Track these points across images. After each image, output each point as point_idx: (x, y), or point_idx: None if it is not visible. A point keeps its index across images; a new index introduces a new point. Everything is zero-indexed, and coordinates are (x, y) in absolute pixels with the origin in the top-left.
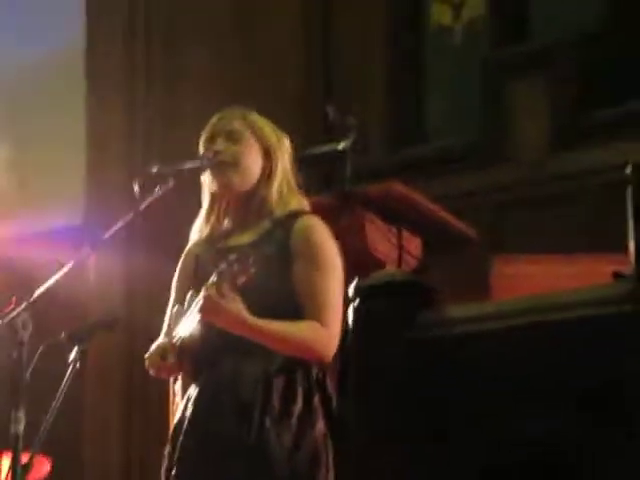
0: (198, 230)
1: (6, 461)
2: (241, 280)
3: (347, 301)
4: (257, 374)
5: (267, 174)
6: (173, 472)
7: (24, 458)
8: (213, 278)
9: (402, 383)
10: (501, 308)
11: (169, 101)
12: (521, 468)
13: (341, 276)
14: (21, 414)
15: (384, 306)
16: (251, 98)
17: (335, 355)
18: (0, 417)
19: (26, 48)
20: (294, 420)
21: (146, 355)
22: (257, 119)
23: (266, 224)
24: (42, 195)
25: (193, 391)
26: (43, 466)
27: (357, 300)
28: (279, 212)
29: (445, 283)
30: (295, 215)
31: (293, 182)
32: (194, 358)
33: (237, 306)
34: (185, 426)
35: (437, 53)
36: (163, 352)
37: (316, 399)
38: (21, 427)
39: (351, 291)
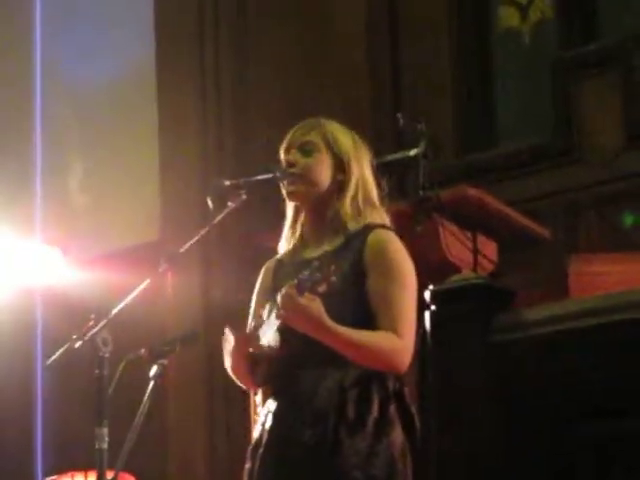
0: (284, 242)
1: (91, 479)
2: (322, 288)
3: (423, 306)
4: (333, 385)
5: (341, 186)
6: None
7: (109, 475)
8: (294, 282)
9: (481, 386)
10: (579, 307)
11: (240, 118)
12: (592, 468)
13: (415, 288)
14: (105, 431)
15: (461, 310)
16: (319, 109)
17: (411, 363)
18: (85, 435)
19: (98, 69)
20: (369, 429)
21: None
22: (334, 129)
23: (341, 237)
24: (118, 213)
25: (271, 405)
26: None
27: (434, 305)
28: (354, 225)
29: (522, 285)
30: (369, 228)
31: (371, 193)
32: (272, 369)
33: (317, 306)
34: (264, 439)
35: (506, 55)
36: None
37: (392, 409)
38: (105, 444)
39: (427, 296)
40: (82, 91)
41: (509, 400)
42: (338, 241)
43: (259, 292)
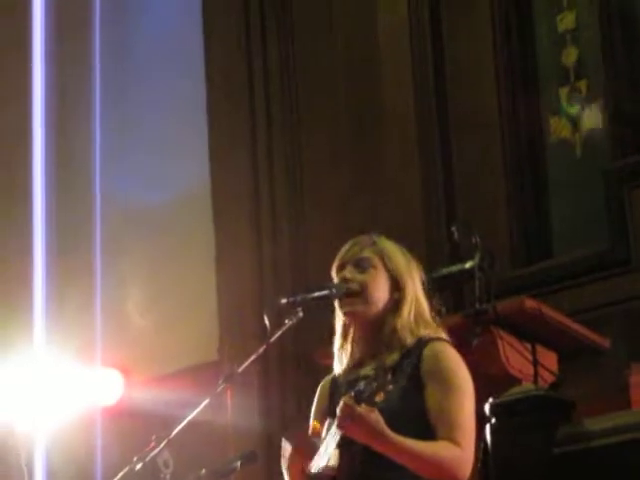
0: (337, 360)
1: None
2: (379, 397)
3: (484, 419)
4: None
5: (396, 303)
6: None
7: None
8: (351, 393)
9: None
10: None
11: (295, 237)
12: None
13: (473, 397)
14: None
15: (522, 423)
16: (372, 225)
17: (473, 475)
18: None
19: (155, 194)
20: None
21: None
22: (387, 246)
23: (397, 353)
24: (177, 334)
25: None
26: None
27: (494, 418)
28: (410, 340)
29: (583, 395)
30: (425, 341)
31: (425, 310)
32: None
33: (375, 416)
34: None
35: (558, 165)
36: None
37: None
38: None
39: (487, 409)
40: (140, 216)
41: None
42: (394, 357)
43: (316, 411)
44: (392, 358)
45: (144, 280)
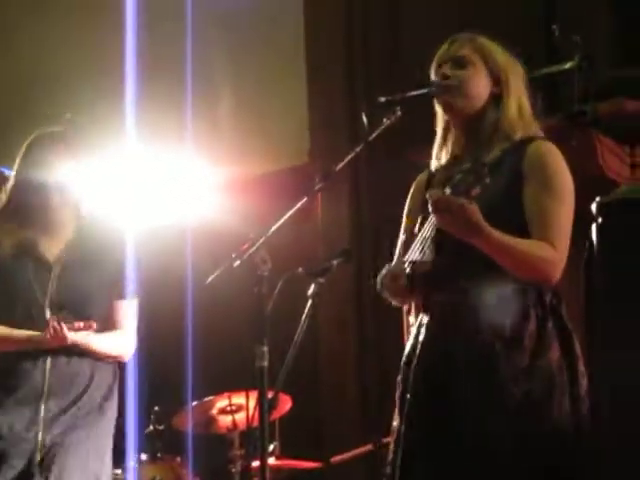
0: (434, 160)
1: (252, 399)
2: (476, 191)
3: (586, 219)
4: (488, 298)
5: (497, 99)
6: (407, 395)
7: (269, 394)
8: (446, 189)
9: None
10: None
11: (388, 35)
12: None
13: (572, 202)
14: (265, 349)
15: (631, 223)
16: (470, 25)
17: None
18: (246, 354)
19: None
20: (526, 342)
21: (378, 278)
22: (487, 44)
23: (497, 150)
24: (268, 137)
25: (424, 317)
26: (285, 404)
27: (600, 217)
28: (512, 137)
29: None
30: (529, 140)
31: (527, 107)
32: (425, 282)
33: (473, 208)
34: (418, 351)
35: None
36: (394, 275)
37: (550, 324)
38: (265, 362)
39: (594, 208)
40: (231, 13)
41: None
42: (495, 153)
43: (410, 207)
44: (494, 154)
45: (235, 81)
